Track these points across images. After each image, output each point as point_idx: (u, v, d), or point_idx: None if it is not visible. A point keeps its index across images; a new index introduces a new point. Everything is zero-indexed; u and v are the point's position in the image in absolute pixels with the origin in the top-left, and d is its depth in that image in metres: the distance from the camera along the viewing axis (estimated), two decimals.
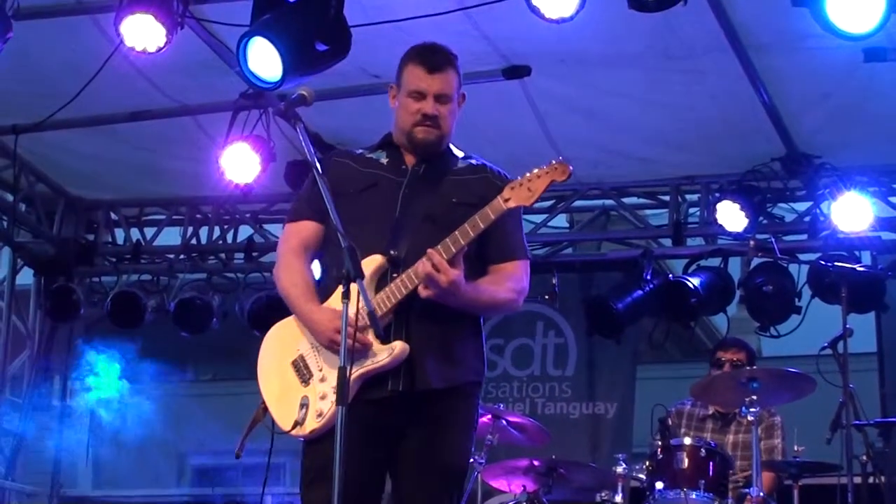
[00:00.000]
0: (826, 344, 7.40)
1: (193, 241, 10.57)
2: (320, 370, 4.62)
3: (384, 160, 4.84)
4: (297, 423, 4.57)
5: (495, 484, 7.87)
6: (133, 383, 9.94)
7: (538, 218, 10.07)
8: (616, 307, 9.25)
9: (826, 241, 8.99)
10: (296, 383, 4.66)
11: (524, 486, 7.55)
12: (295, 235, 4.86)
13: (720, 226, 9.05)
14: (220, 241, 10.60)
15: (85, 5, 7.64)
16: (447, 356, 4.62)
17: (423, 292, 4.48)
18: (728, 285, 9.35)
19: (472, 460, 7.46)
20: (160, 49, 6.99)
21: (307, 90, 4.70)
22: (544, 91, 8.37)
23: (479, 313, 4.75)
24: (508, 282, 4.74)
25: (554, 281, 8.73)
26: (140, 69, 8.02)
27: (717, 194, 9.14)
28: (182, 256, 10.64)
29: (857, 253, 8.97)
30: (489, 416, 7.61)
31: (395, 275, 4.57)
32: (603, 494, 7.21)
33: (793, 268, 9.08)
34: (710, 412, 8.01)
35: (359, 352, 4.48)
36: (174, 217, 10.68)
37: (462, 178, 4.79)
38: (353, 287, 4.29)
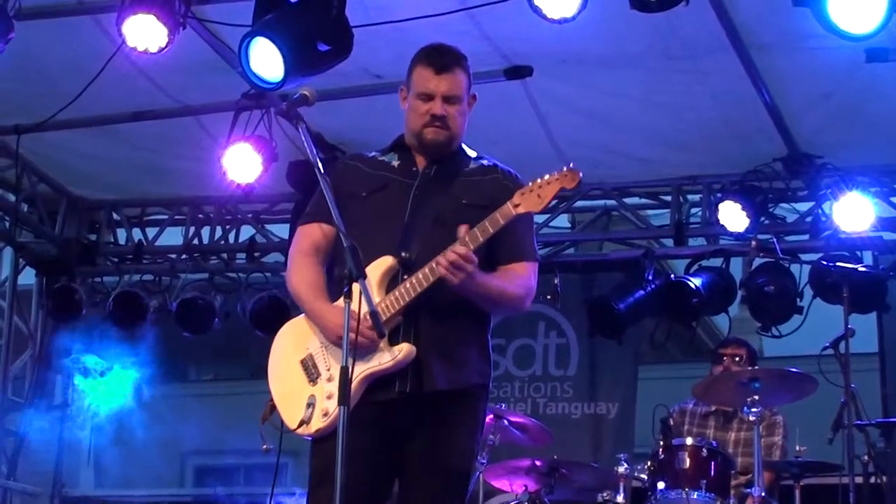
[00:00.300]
0: (828, 344, 7.41)
1: (195, 242, 10.57)
2: (328, 369, 4.63)
3: (395, 162, 4.86)
4: (303, 422, 4.59)
5: (497, 484, 7.87)
6: (135, 383, 9.94)
7: (540, 218, 10.03)
8: (618, 307, 9.25)
9: (828, 241, 8.99)
10: (304, 382, 4.68)
11: (526, 486, 7.56)
12: (306, 238, 4.88)
13: (722, 226, 9.05)
14: (222, 242, 10.60)
15: (87, 5, 7.64)
16: (455, 358, 4.64)
17: (444, 274, 4.46)
18: (730, 285, 9.34)
19: (476, 460, 7.49)
20: (162, 49, 6.99)
21: (309, 90, 4.70)
22: (546, 91, 8.37)
23: (487, 306, 4.74)
24: (517, 279, 4.76)
25: (556, 281, 8.73)
26: (142, 69, 8.03)
27: (719, 194, 9.14)
28: (184, 256, 10.64)
29: (858, 253, 8.97)
30: (491, 416, 7.61)
31: (405, 277, 4.58)
32: (605, 494, 7.21)
33: (794, 268, 9.08)
34: (713, 409, 8.04)
35: (365, 347, 4.49)
36: (176, 217, 10.69)
37: (473, 180, 4.81)
38: (356, 287, 4.30)
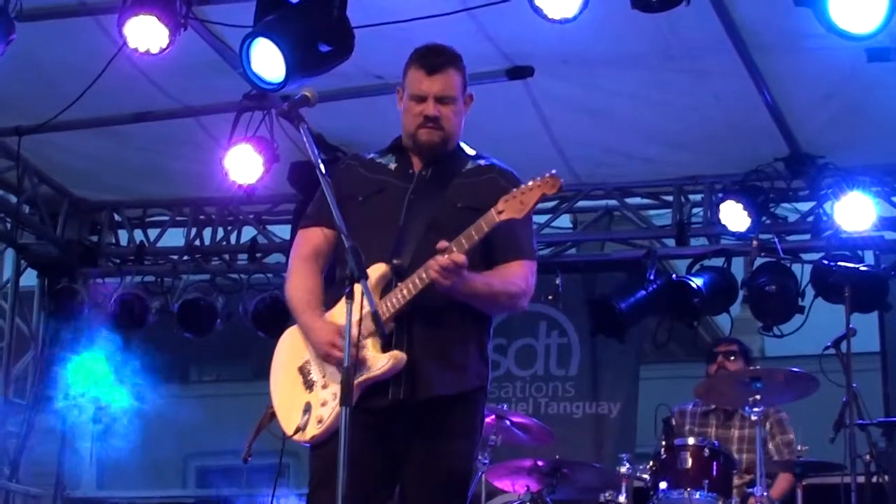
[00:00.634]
0: (829, 344, 7.42)
1: (197, 243, 10.57)
2: (323, 377, 4.64)
3: (392, 165, 4.86)
4: (299, 429, 4.60)
5: (499, 484, 7.87)
6: (137, 385, 9.94)
7: (542, 218, 10.07)
8: (619, 307, 9.25)
9: (829, 240, 8.98)
10: (301, 389, 4.68)
11: (528, 487, 7.57)
12: (306, 243, 4.88)
13: (723, 226, 9.05)
14: (224, 243, 10.60)
15: (88, 6, 7.64)
16: (450, 363, 4.62)
17: (435, 277, 4.45)
18: (731, 285, 9.34)
19: (479, 460, 7.49)
20: (163, 50, 6.99)
21: (310, 91, 4.70)
22: (547, 91, 8.37)
23: (482, 307, 4.72)
24: (512, 278, 4.73)
25: (557, 281, 8.74)
26: (143, 70, 8.02)
27: (721, 194, 9.13)
28: (185, 258, 10.64)
29: (860, 253, 8.96)
30: (493, 417, 7.62)
31: (398, 283, 4.58)
32: (607, 494, 7.22)
33: (796, 267, 9.09)
34: (712, 407, 8.07)
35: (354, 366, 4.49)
36: (178, 218, 10.68)
37: (468, 181, 4.79)
38: (357, 287, 4.31)
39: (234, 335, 10.62)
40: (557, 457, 7.56)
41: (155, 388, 10.12)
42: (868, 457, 7.33)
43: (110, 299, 10.40)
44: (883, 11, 6.23)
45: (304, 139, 4.56)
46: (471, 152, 4.95)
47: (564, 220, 10.38)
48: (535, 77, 8.09)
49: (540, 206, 10.40)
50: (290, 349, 4.80)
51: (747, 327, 10.75)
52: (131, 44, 6.98)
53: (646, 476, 7.14)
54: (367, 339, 4.50)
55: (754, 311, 9.27)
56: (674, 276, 9.63)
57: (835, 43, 6.76)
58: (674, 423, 7.46)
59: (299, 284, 4.79)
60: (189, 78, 8.24)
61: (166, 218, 10.78)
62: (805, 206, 9.35)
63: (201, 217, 10.60)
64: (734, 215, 8.90)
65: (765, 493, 6.80)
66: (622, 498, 7.14)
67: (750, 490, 6.98)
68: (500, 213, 4.50)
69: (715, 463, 7.03)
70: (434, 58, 4.80)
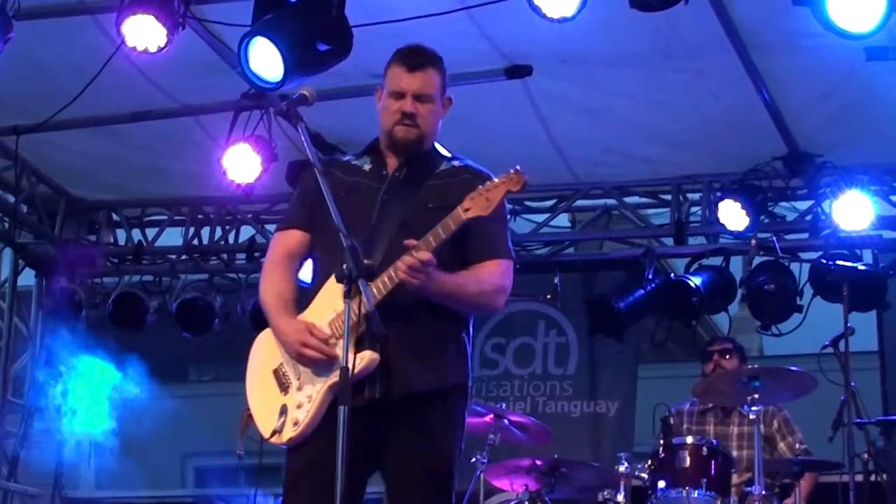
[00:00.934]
0: (828, 342, 7.43)
1: (195, 242, 10.57)
2: (298, 379, 4.67)
3: (367, 166, 4.88)
4: (275, 432, 4.64)
5: (498, 483, 7.88)
6: (135, 384, 9.93)
7: (540, 217, 10.08)
8: (618, 306, 9.25)
9: (827, 239, 8.99)
10: (276, 391, 4.72)
11: (526, 486, 7.57)
12: (280, 245, 4.93)
13: (722, 225, 9.06)
14: (222, 242, 10.60)
15: (86, 5, 7.64)
16: (425, 360, 4.61)
17: (403, 277, 4.47)
18: (730, 284, 9.35)
19: (473, 460, 7.49)
20: (161, 49, 6.98)
21: (309, 90, 4.73)
22: (546, 90, 8.37)
23: (454, 306, 4.70)
24: (486, 276, 4.72)
25: (556, 280, 8.75)
26: (141, 69, 8.02)
27: (719, 193, 9.14)
28: (184, 257, 10.64)
29: (858, 252, 8.97)
30: (491, 416, 7.62)
31: (369, 284, 4.56)
32: (605, 493, 7.22)
33: (794, 266, 9.09)
34: (710, 406, 8.08)
35: (325, 363, 4.55)
36: (176, 218, 10.68)
37: (442, 182, 4.80)
38: (335, 289, 4.40)
39: (232, 335, 10.57)
40: (556, 456, 7.56)
41: (153, 388, 10.11)
42: (866, 455, 7.33)
43: (108, 299, 10.40)
44: (881, 10, 6.24)
45: (302, 138, 4.58)
46: (446, 154, 4.95)
47: (563, 220, 10.38)
48: (533, 76, 8.09)
49: (538, 205, 10.48)
50: (264, 353, 4.83)
51: (746, 326, 10.76)
52: (129, 43, 6.97)
53: (644, 475, 7.14)
54: (339, 340, 4.52)
55: (753, 310, 9.27)
56: (672, 275, 9.63)
57: (833, 42, 6.76)
58: (672, 422, 7.46)
59: (271, 288, 4.83)
60: (187, 77, 8.24)
61: (164, 217, 10.77)
62: (803, 205, 9.36)
63: (199, 216, 10.59)
64: (733, 214, 8.90)
65: (763, 492, 6.80)
66: (620, 497, 7.13)
67: (748, 489, 6.98)
68: (466, 210, 4.50)
69: (713, 462, 7.03)
70: (415, 56, 4.85)
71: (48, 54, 8.04)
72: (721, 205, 8.95)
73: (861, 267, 8.35)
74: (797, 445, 7.86)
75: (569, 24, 6.69)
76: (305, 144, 4.57)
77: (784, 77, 7.96)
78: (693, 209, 9.71)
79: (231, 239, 10.60)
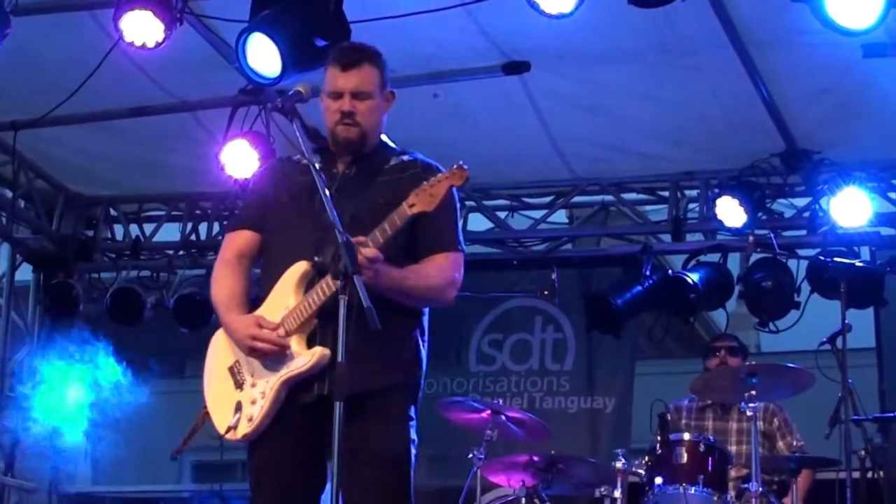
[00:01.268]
0: (825, 339, 7.44)
1: (193, 237, 10.56)
2: (252, 375, 4.72)
3: (318, 165, 4.85)
4: (230, 428, 4.70)
5: (495, 479, 7.88)
6: (132, 379, 9.92)
7: (537, 214, 10.08)
8: (615, 303, 9.25)
9: (825, 236, 8.99)
10: (231, 388, 4.78)
11: (523, 482, 7.56)
12: (230, 246, 4.96)
13: (719, 221, 9.06)
14: (220, 237, 10.53)
15: (84, 1, 7.63)
16: (373, 358, 4.60)
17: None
18: (727, 281, 9.34)
19: (470, 456, 7.50)
20: (159, 45, 6.98)
21: (304, 86, 4.75)
22: (544, 87, 8.36)
23: (404, 301, 4.70)
24: (435, 270, 4.74)
25: (553, 276, 8.73)
26: (139, 65, 8.02)
27: (717, 190, 9.14)
28: (181, 252, 10.63)
29: (855, 248, 8.97)
30: (488, 412, 7.62)
31: (320, 281, 4.62)
32: (602, 490, 7.22)
33: (792, 263, 9.08)
34: (709, 402, 8.08)
35: (275, 356, 4.61)
36: (173, 213, 10.68)
37: (391, 178, 4.81)
38: (287, 286, 4.53)
39: None
40: (553, 452, 7.56)
41: (150, 383, 10.11)
42: (863, 452, 7.35)
43: (106, 294, 10.40)
44: (879, 7, 6.23)
45: (297, 134, 4.61)
46: (395, 148, 4.97)
47: (560, 216, 10.37)
48: (531, 72, 8.09)
49: (536, 201, 10.44)
50: (219, 351, 4.89)
51: (743, 323, 10.76)
52: (127, 38, 6.97)
53: (641, 471, 7.14)
54: (291, 337, 4.61)
55: (750, 307, 9.28)
56: (670, 271, 9.62)
57: (831, 39, 6.77)
58: (669, 418, 7.46)
59: (222, 286, 4.88)
60: (185, 73, 8.23)
61: (162, 213, 10.77)
62: (801, 202, 9.35)
63: (197, 212, 10.59)
64: (730, 211, 8.90)
65: (760, 489, 6.80)
66: (617, 493, 7.13)
67: (745, 486, 6.98)
68: (411, 206, 4.51)
69: (710, 458, 7.04)
70: (349, 55, 4.85)
71: (46, 50, 8.03)
72: (719, 201, 8.95)
73: (858, 264, 8.35)
74: (794, 443, 7.88)
75: (567, 21, 6.68)
76: (300, 141, 4.61)
77: (782, 74, 7.96)
78: (691, 206, 9.71)
79: None
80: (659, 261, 9.91)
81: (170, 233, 10.76)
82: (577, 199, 10.04)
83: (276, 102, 4.75)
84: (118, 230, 10.87)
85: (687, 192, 9.74)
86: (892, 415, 8.11)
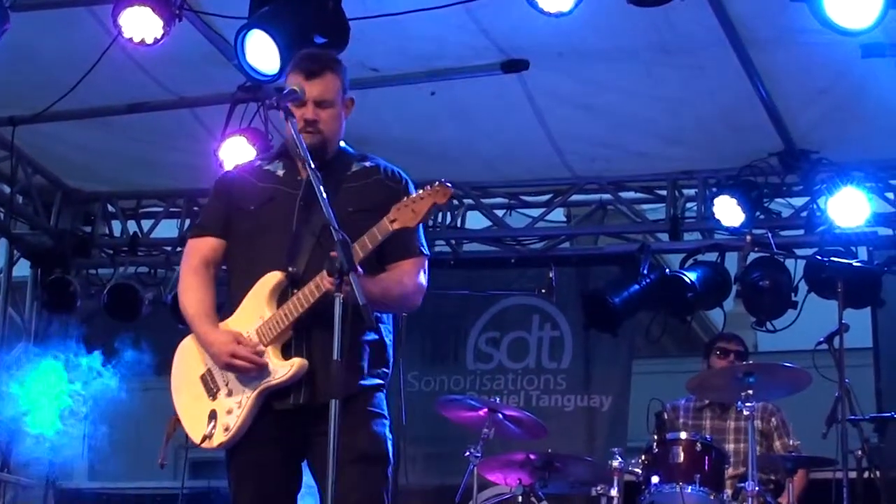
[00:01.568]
0: (822, 339, 7.44)
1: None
2: (227, 384, 4.73)
3: (280, 172, 4.93)
4: (206, 437, 4.71)
5: (491, 477, 7.87)
6: (129, 376, 9.91)
7: (535, 212, 10.08)
8: (613, 301, 9.24)
9: (823, 236, 8.99)
10: (203, 396, 4.78)
11: (520, 480, 7.55)
12: (196, 253, 4.96)
13: (717, 220, 9.06)
14: None
15: None
16: (348, 367, 4.54)
17: (330, 289, 4.45)
18: (725, 280, 9.35)
19: (467, 453, 7.50)
20: (158, 41, 6.98)
21: (300, 84, 4.77)
22: (542, 85, 8.36)
23: (379, 308, 4.71)
24: (406, 278, 4.80)
25: (551, 275, 8.72)
26: (138, 61, 8.01)
27: (715, 189, 9.15)
28: (179, 249, 10.57)
29: (853, 248, 8.97)
30: (485, 410, 7.61)
31: (294, 291, 4.64)
32: (599, 488, 7.22)
33: (789, 263, 9.09)
34: (706, 402, 8.08)
35: (255, 372, 4.63)
36: (171, 209, 10.68)
37: (357, 185, 4.85)
38: (260, 296, 4.57)
39: None
40: (550, 450, 7.56)
41: (148, 379, 10.10)
42: (860, 452, 7.35)
43: (103, 290, 10.39)
44: (878, 7, 6.23)
45: (293, 132, 4.63)
46: (356, 154, 5.00)
47: (558, 214, 10.39)
48: (529, 71, 8.09)
49: (534, 199, 10.43)
50: (189, 359, 4.88)
51: (740, 322, 10.73)
52: (126, 34, 6.97)
53: (638, 470, 7.14)
54: (268, 347, 4.64)
55: (747, 306, 9.28)
56: (667, 270, 9.62)
57: (829, 38, 6.76)
58: (666, 417, 7.46)
59: (191, 296, 4.88)
60: (184, 69, 8.23)
61: (160, 209, 10.77)
62: (799, 202, 9.36)
63: (195, 208, 10.56)
64: (728, 210, 8.91)
65: (756, 488, 6.80)
66: (614, 492, 7.13)
67: (742, 485, 6.98)
68: (392, 221, 4.55)
69: (707, 457, 7.04)
70: (312, 63, 4.88)
71: (45, 45, 8.02)
72: (717, 200, 8.96)
73: (856, 263, 8.34)
74: (791, 443, 7.88)
75: (565, 19, 6.68)
76: (296, 138, 4.63)
77: (780, 73, 7.96)
78: (689, 205, 9.72)
79: None
80: (656, 260, 9.91)
81: (167, 229, 10.76)
82: (574, 197, 10.04)
83: (271, 100, 4.76)
84: (116, 226, 10.87)
85: (685, 192, 9.74)
86: (888, 415, 8.11)
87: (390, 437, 4.79)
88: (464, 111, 8.72)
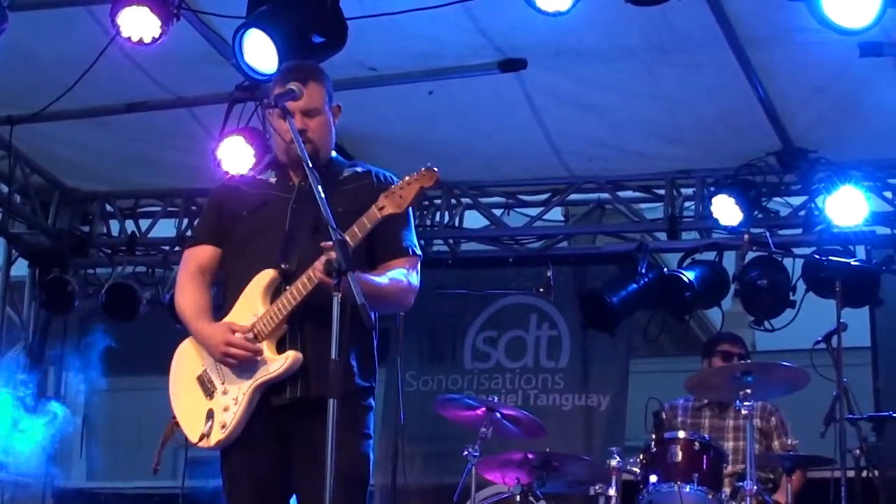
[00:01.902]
0: (820, 338, 7.44)
1: (188, 233, 10.54)
2: (223, 383, 4.78)
3: (273, 179, 5.00)
4: (203, 436, 4.75)
5: (490, 477, 7.88)
6: (127, 375, 9.93)
7: (533, 211, 10.08)
8: (611, 300, 9.25)
9: (821, 235, 8.99)
10: (201, 397, 4.83)
11: (518, 479, 7.56)
12: (192, 260, 5.04)
13: (715, 220, 9.06)
14: None
15: None
16: (349, 363, 4.67)
17: (321, 277, 4.50)
18: (723, 279, 9.35)
19: (465, 453, 7.50)
20: (156, 40, 6.98)
21: (298, 84, 4.81)
22: (540, 84, 8.36)
23: (371, 305, 4.63)
24: (399, 276, 4.84)
25: (549, 274, 8.73)
26: (136, 60, 8.01)
27: (713, 188, 9.15)
28: (177, 248, 10.60)
29: (851, 247, 8.96)
30: (483, 409, 7.62)
31: (287, 287, 4.69)
32: (597, 488, 7.22)
33: (787, 262, 9.09)
34: (705, 402, 8.08)
35: (249, 364, 4.67)
36: (169, 209, 10.66)
37: (347, 189, 4.90)
38: (253, 296, 4.62)
39: None
40: (548, 450, 7.56)
41: (145, 379, 10.11)
42: (858, 451, 7.35)
43: (101, 290, 10.39)
44: (876, 6, 6.23)
45: (292, 131, 4.67)
46: (346, 161, 5.08)
47: (556, 213, 10.38)
48: (527, 70, 8.09)
49: (531, 198, 10.45)
50: (186, 361, 4.93)
51: (738, 321, 10.74)
52: (124, 34, 6.96)
53: (636, 469, 7.15)
54: (262, 342, 4.69)
55: (745, 306, 9.28)
56: (665, 269, 9.63)
57: (827, 37, 6.76)
58: (664, 416, 7.46)
59: (187, 299, 4.95)
60: (182, 68, 8.23)
61: (158, 208, 10.76)
62: (797, 201, 9.36)
63: (193, 208, 10.57)
64: (726, 209, 8.91)
65: (754, 488, 6.80)
66: (612, 491, 7.14)
67: (739, 484, 6.98)
68: (381, 208, 4.60)
69: (705, 456, 7.04)
70: (297, 74, 4.93)
71: (43, 45, 8.02)
72: (715, 200, 8.95)
73: (854, 263, 8.35)
74: (789, 443, 7.88)
75: (563, 19, 6.68)
76: (294, 138, 4.65)
77: (778, 72, 7.96)
78: (686, 204, 9.71)
79: None
80: (654, 259, 9.90)
81: (165, 229, 10.76)
82: (572, 196, 10.04)
83: (269, 100, 4.79)
84: (114, 226, 10.86)
85: (683, 191, 9.73)
86: (886, 414, 8.10)
87: (372, 456, 4.83)
88: (462, 110, 8.72)
